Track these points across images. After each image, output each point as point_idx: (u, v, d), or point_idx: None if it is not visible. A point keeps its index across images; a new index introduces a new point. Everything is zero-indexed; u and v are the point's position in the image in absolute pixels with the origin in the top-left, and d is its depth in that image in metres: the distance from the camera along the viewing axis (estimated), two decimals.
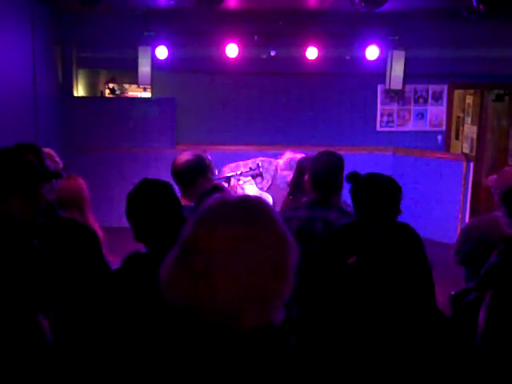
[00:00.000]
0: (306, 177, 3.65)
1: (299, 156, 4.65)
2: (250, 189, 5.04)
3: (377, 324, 1.87)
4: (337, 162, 3.14)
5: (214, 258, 1.25)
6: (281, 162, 4.90)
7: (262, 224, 1.30)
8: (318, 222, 3.04)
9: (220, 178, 4.83)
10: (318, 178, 3.10)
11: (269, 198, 4.98)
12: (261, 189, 5.07)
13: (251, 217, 1.30)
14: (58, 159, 3.01)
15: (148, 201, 2.26)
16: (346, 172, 3.15)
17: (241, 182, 5.11)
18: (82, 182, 3.21)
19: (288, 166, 4.79)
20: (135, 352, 1.67)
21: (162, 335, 1.33)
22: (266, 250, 1.28)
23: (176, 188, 2.80)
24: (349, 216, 3.07)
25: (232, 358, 1.25)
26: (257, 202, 1.35)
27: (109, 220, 5.16)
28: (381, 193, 2.59)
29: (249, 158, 5.27)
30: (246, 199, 1.35)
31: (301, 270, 1.34)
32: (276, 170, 4.95)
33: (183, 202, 3.24)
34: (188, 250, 1.30)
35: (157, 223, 2.23)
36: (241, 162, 5.11)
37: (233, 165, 5.06)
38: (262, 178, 5.15)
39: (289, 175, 4.72)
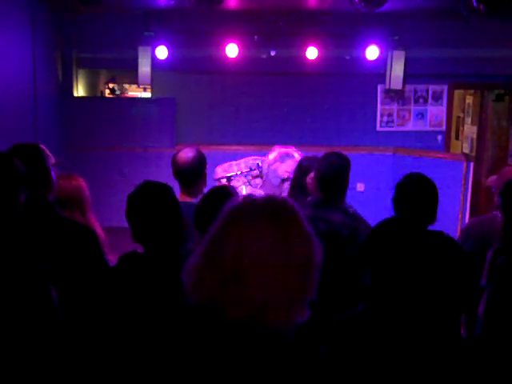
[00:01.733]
0: (309, 177, 3.66)
1: (289, 150, 4.77)
2: (243, 190, 5.06)
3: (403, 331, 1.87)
4: (343, 163, 3.17)
5: (245, 257, 1.26)
6: (271, 156, 4.93)
7: (291, 224, 1.31)
8: (321, 222, 3.05)
9: (221, 178, 4.83)
10: (324, 179, 3.12)
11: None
12: (255, 186, 5.09)
13: (280, 217, 1.31)
14: (50, 154, 3.01)
15: (148, 203, 2.27)
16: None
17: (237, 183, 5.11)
18: (82, 182, 3.21)
19: (278, 159, 4.85)
20: (149, 350, 1.67)
21: (181, 335, 1.32)
22: (295, 249, 1.29)
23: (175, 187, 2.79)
24: (353, 218, 3.09)
25: (259, 356, 1.25)
26: (284, 202, 1.36)
27: (109, 220, 5.15)
28: (429, 195, 2.70)
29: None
30: (274, 199, 1.36)
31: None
32: (268, 167, 4.97)
33: (185, 198, 3.25)
34: (217, 250, 1.30)
35: (156, 225, 2.24)
36: (233, 162, 5.12)
37: (226, 165, 5.05)
38: (262, 178, 5.14)
39: (279, 168, 4.80)
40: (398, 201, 2.78)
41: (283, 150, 4.88)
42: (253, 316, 1.25)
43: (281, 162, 4.91)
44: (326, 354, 1.85)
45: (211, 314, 1.27)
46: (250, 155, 5.18)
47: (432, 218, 2.79)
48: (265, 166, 4.97)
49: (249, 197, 1.35)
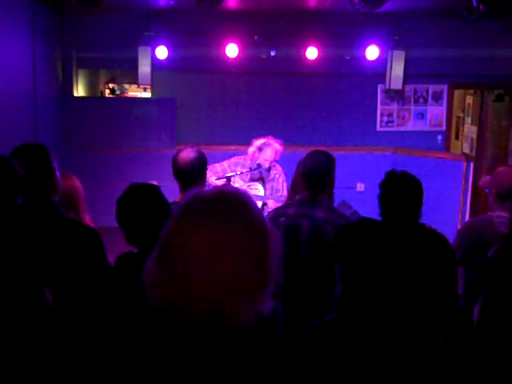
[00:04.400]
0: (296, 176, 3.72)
1: (266, 140, 4.96)
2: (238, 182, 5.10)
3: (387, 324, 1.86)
4: (327, 161, 3.21)
5: (194, 256, 1.22)
6: (250, 151, 5.06)
7: (241, 217, 1.27)
8: (305, 219, 3.10)
9: (220, 178, 4.83)
10: (307, 177, 3.17)
11: (259, 189, 5.02)
12: (255, 189, 5.12)
13: (229, 211, 1.26)
14: None
15: (136, 205, 2.28)
16: (337, 171, 3.24)
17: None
18: (76, 182, 3.19)
19: (256, 150, 5.02)
20: (127, 354, 1.67)
21: (150, 337, 1.30)
22: (247, 242, 1.25)
23: (173, 187, 2.77)
24: (337, 214, 3.14)
25: (225, 354, 1.23)
26: (234, 194, 1.31)
27: (108, 220, 5.15)
28: (413, 192, 2.71)
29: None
30: (222, 192, 1.32)
31: (287, 263, 1.33)
32: (252, 162, 5.08)
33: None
34: (168, 250, 1.26)
35: (146, 226, 2.24)
36: (217, 164, 5.14)
37: (209, 167, 5.16)
38: (264, 182, 5.15)
39: (259, 158, 4.98)
40: (380, 199, 2.82)
41: (260, 141, 5.04)
42: (212, 315, 1.22)
43: (259, 152, 5.04)
44: (299, 359, 1.83)
45: (171, 315, 1.24)
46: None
47: (416, 214, 2.78)
48: (247, 163, 5.08)
49: (198, 193, 1.31)
